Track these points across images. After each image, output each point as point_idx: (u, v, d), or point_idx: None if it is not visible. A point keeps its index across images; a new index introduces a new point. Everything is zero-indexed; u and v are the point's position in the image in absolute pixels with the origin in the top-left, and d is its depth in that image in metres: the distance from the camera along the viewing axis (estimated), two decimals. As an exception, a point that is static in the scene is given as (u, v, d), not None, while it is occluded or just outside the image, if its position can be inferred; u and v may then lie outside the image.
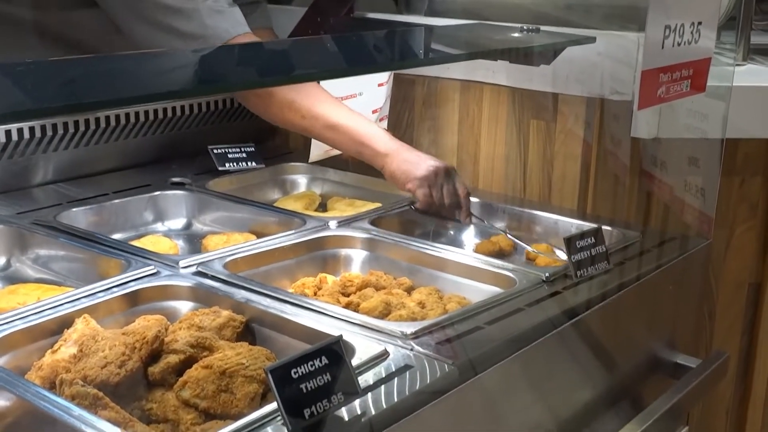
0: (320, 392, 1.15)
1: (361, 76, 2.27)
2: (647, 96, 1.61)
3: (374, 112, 2.33)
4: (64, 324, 1.46)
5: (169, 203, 2.17)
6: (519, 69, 2.14)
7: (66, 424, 1.16)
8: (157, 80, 1.00)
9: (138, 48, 2.09)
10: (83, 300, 1.52)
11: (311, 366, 1.15)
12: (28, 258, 1.87)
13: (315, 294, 1.73)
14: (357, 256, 1.91)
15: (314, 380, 1.15)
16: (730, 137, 2.01)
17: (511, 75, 2.24)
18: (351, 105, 2.27)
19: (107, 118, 2.26)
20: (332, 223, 1.95)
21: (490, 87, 2.32)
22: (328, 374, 1.16)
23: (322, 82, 2.16)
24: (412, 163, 2.05)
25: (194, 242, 2.08)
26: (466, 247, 2.08)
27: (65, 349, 1.39)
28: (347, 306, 1.63)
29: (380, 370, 1.32)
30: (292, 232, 1.90)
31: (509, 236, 2.02)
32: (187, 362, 1.38)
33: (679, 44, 1.66)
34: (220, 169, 2.33)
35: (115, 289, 1.57)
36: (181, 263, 1.69)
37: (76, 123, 2.20)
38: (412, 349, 1.39)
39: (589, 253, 1.67)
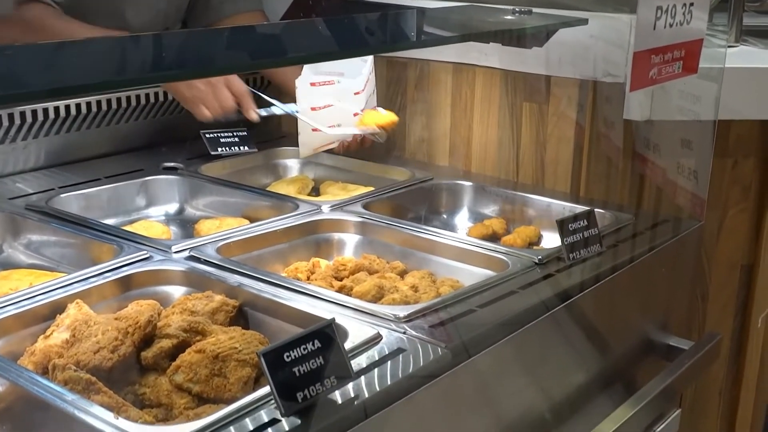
0: (313, 376, 1.15)
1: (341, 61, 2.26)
2: (639, 78, 1.60)
3: (356, 94, 2.31)
4: (56, 309, 1.46)
5: (162, 188, 2.17)
6: (511, 51, 2.14)
7: (59, 409, 1.16)
8: (146, 63, 0.99)
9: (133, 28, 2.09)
10: (76, 285, 1.52)
11: (304, 350, 1.15)
12: (21, 243, 1.86)
13: (308, 278, 1.73)
14: (350, 240, 1.90)
15: (307, 364, 1.15)
16: (722, 119, 2.01)
17: (503, 57, 2.24)
18: (332, 89, 2.25)
19: (99, 102, 2.25)
20: (325, 207, 1.95)
21: (483, 69, 2.31)
22: (320, 358, 1.16)
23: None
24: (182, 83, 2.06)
25: (187, 227, 2.07)
26: (459, 231, 2.08)
27: (58, 334, 1.39)
28: (340, 290, 1.64)
29: (373, 354, 1.32)
30: (285, 216, 1.90)
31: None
32: (180, 347, 1.38)
33: (671, 25, 1.66)
34: (213, 153, 2.32)
35: (107, 274, 1.57)
36: (174, 248, 1.69)
37: (68, 108, 2.19)
38: (405, 333, 1.39)
39: (581, 235, 1.68)
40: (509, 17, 1.91)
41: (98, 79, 0.98)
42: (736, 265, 2.27)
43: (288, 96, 2.30)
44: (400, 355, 1.32)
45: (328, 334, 1.18)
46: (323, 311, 1.45)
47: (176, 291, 1.60)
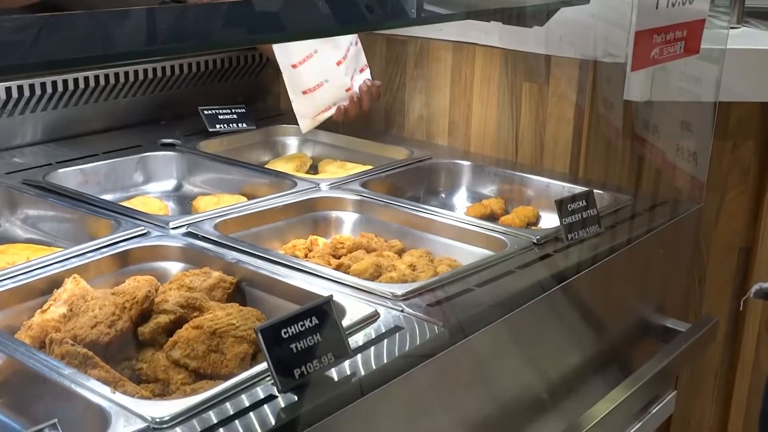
0: (310, 352, 1.15)
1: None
2: (641, 57, 1.60)
3: (338, 63, 2.30)
4: (53, 284, 1.45)
5: (159, 164, 2.16)
6: (512, 30, 2.13)
7: (56, 383, 1.16)
8: (140, 36, 0.98)
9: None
10: (73, 260, 1.52)
11: (301, 326, 1.15)
12: (18, 218, 1.86)
13: (306, 256, 1.73)
14: (348, 218, 1.90)
15: (304, 340, 1.15)
16: (722, 101, 2.00)
17: (504, 36, 2.23)
18: (312, 64, 2.24)
19: (96, 77, 2.24)
20: (323, 185, 1.95)
21: (483, 48, 2.30)
22: (318, 335, 1.16)
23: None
24: None
25: (184, 203, 2.07)
26: (457, 210, 2.07)
27: (55, 308, 1.39)
28: (338, 268, 1.63)
29: (370, 332, 1.32)
30: (283, 193, 1.90)
31: None
32: (178, 322, 1.38)
33: (673, 5, 1.65)
34: (211, 130, 2.32)
35: (104, 250, 1.56)
36: (172, 224, 1.68)
37: (65, 82, 2.18)
38: (402, 311, 1.39)
39: (580, 216, 1.67)
40: (510, -5, 1.90)
41: (94, 53, 0.97)
42: (734, 247, 2.27)
43: None
44: (397, 334, 1.32)
45: (325, 311, 1.18)
46: (321, 288, 1.44)
47: (174, 267, 1.60)
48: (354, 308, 1.37)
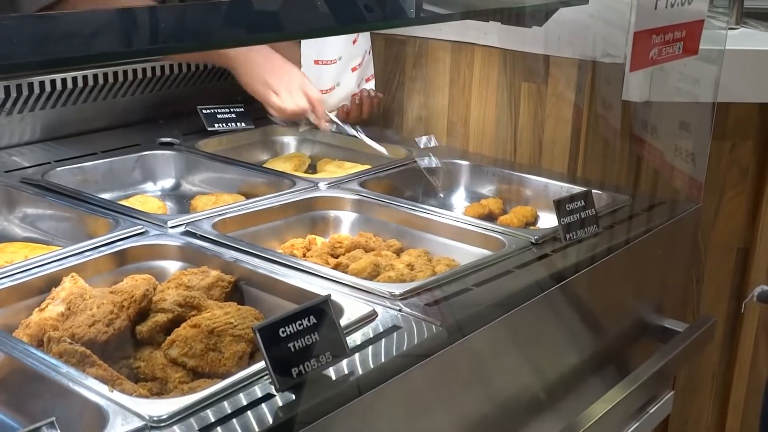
0: (308, 351, 1.15)
1: (338, 40, 2.26)
2: (639, 58, 1.60)
3: (353, 70, 2.32)
4: (51, 282, 1.45)
5: (158, 163, 2.16)
6: (511, 30, 2.13)
7: (53, 382, 1.16)
8: (139, 36, 0.98)
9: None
10: (71, 259, 1.52)
11: (299, 325, 1.15)
12: (16, 217, 1.86)
13: (304, 255, 1.73)
14: (346, 217, 1.90)
15: (302, 339, 1.15)
16: (721, 101, 2.00)
17: (502, 36, 2.23)
18: (332, 69, 2.26)
19: (95, 76, 2.24)
20: (322, 185, 1.95)
21: (482, 48, 2.30)
22: (316, 334, 1.16)
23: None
24: (262, 67, 2.03)
25: (183, 203, 2.07)
26: (456, 210, 2.07)
27: (53, 307, 1.39)
28: (336, 267, 1.63)
29: (368, 331, 1.32)
30: (282, 193, 1.90)
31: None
32: (176, 321, 1.38)
33: (672, 5, 1.65)
34: (209, 129, 2.32)
35: (103, 248, 1.56)
36: (170, 223, 1.68)
37: (64, 81, 2.18)
38: (400, 310, 1.39)
39: (578, 216, 1.67)
40: (509, -5, 1.90)
41: (94, 51, 0.97)
42: (732, 248, 2.28)
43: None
44: (395, 333, 1.32)
45: (323, 310, 1.18)
46: (319, 288, 1.44)
47: (172, 266, 1.60)
48: (352, 307, 1.37)
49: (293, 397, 1.14)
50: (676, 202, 1.98)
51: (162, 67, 2.37)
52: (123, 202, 1.88)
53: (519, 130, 2.28)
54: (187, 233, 1.65)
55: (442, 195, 2.11)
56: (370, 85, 2.40)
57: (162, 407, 1.10)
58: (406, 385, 1.26)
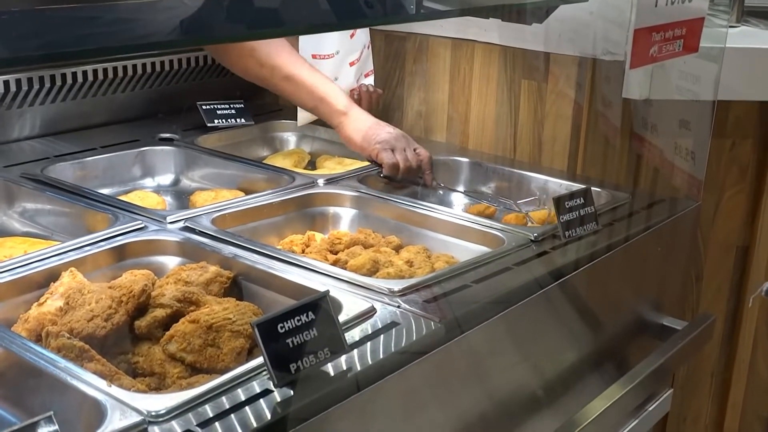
0: (306, 347, 1.15)
1: (335, 34, 2.26)
2: (639, 55, 1.60)
3: (351, 64, 2.32)
4: (50, 277, 1.45)
5: (158, 159, 2.16)
6: (511, 27, 2.13)
7: (52, 376, 1.16)
8: (140, 30, 0.98)
9: None
10: (70, 253, 1.52)
11: (298, 321, 1.15)
12: (15, 211, 1.86)
13: (303, 251, 1.73)
14: (345, 214, 1.90)
15: (301, 335, 1.15)
16: (721, 99, 2.00)
17: (503, 33, 2.23)
18: (329, 64, 2.26)
19: (95, 71, 2.24)
20: (321, 181, 1.95)
21: (482, 45, 2.30)
22: (314, 329, 1.16)
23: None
24: (371, 126, 2.04)
25: (182, 198, 2.07)
26: (455, 207, 2.07)
27: (52, 302, 1.39)
28: (335, 263, 1.63)
29: (367, 327, 1.32)
30: (281, 189, 1.90)
31: (491, 202, 2.01)
32: (174, 316, 1.38)
33: (672, 3, 1.65)
34: (209, 125, 2.32)
35: (102, 243, 1.56)
36: (169, 218, 1.68)
37: (63, 76, 2.18)
38: (398, 307, 1.39)
39: (577, 213, 1.67)
40: (510, -7, 1.90)
41: (91, 46, 0.97)
42: (731, 246, 2.27)
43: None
44: (394, 329, 1.32)
45: (322, 307, 1.18)
46: (318, 284, 1.44)
47: (171, 261, 1.60)
48: (350, 304, 1.37)
49: (291, 392, 1.14)
50: (675, 200, 1.98)
51: (161, 63, 2.37)
52: (122, 198, 1.88)
53: (519, 127, 2.28)
54: (186, 229, 1.65)
55: (441, 191, 2.11)
56: (370, 81, 2.40)
57: (160, 402, 1.10)
58: (405, 381, 1.26)
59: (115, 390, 1.13)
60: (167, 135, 2.23)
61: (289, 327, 1.14)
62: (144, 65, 2.34)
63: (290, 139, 2.45)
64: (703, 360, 2.33)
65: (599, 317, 1.76)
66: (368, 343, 1.28)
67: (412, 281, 1.47)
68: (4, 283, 1.42)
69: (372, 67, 2.41)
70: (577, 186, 1.87)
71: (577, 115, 2.18)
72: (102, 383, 1.14)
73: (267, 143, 2.42)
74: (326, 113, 2.08)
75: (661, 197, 1.97)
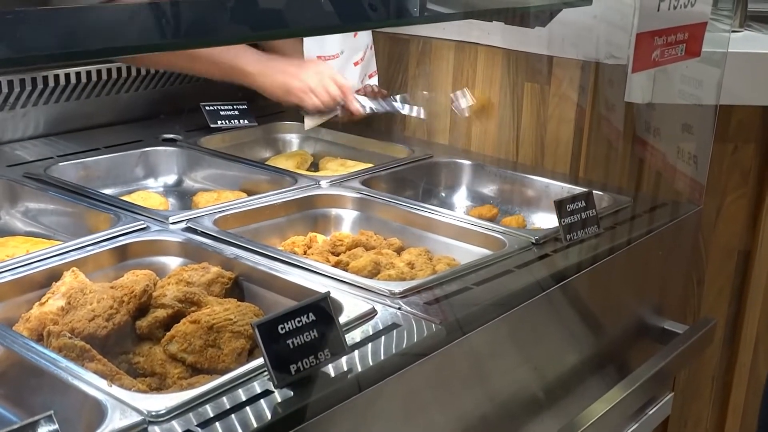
0: (307, 348, 1.15)
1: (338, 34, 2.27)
2: (642, 59, 1.60)
3: (356, 64, 2.32)
4: (52, 277, 1.46)
5: (160, 159, 2.16)
6: (514, 30, 2.13)
7: (53, 375, 1.16)
8: (145, 32, 0.99)
9: None
10: (72, 253, 1.52)
11: (299, 322, 1.15)
12: (18, 211, 1.86)
13: (305, 253, 1.73)
14: (347, 215, 1.90)
15: (301, 336, 1.15)
16: (723, 104, 2.00)
17: (506, 36, 2.23)
18: (334, 64, 2.26)
19: (99, 71, 2.24)
20: (323, 183, 1.95)
21: (485, 48, 2.30)
22: (315, 331, 1.16)
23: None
24: (287, 74, 2.04)
25: (185, 199, 2.07)
26: (457, 209, 2.08)
27: (53, 301, 1.39)
28: (336, 265, 1.64)
29: (368, 329, 1.32)
30: (283, 190, 1.90)
31: None
32: (175, 317, 1.38)
33: (675, 7, 1.65)
34: (212, 126, 2.32)
35: (104, 243, 1.57)
36: (171, 219, 1.68)
37: (68, 76, 2.18)
38: (399, 308, 1.39)
39: (579, 216, 1.67)
40: (513, -4, 1.90)
41: (95, 47, 0.98)
42: (733, 250, 2.27)
43: None
44: (395, 331, 1.32)
45: (323, 308, 1.19)
46: (319, 285, 1.45)
47: (172, 262, 1.60)
48: (351, 305, 1.38)
49: (291, 393, 1.14)
50: (677, 204, 1.98)
51: (165, 64, 2.37)
52: (125, 198, 1.89)
53: (521, 130, 2.28)
54: (188, 229, 1.66)
55: (443, 194, 2.11)
56: (374, 82, 2.40)
57: (160, 402, 1.10)
58: (405, 383, 1.26)
59: (115, 390, 1.13)
60: (170, 135, 2.24)
61: (289, 328, 1.14)
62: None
63: (293, 140, 2.45)
64: (704, 364, 2.33)
65: (600, 320, 1.77)
66: (369, 345, 1.28)
67: (414, 283, 1.48)
68: (6, 283, 1.42)
69: (375, 68, 2.41)
70: (579, 189, 1.87)
71: (580, 118, 2.18)
72: (103, 383, 1.14)
73: (270, 144, 2.42)
74: (240, 78, 2.09)
75: (663, 201, 1.97)
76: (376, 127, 2.51)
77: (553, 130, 2.23)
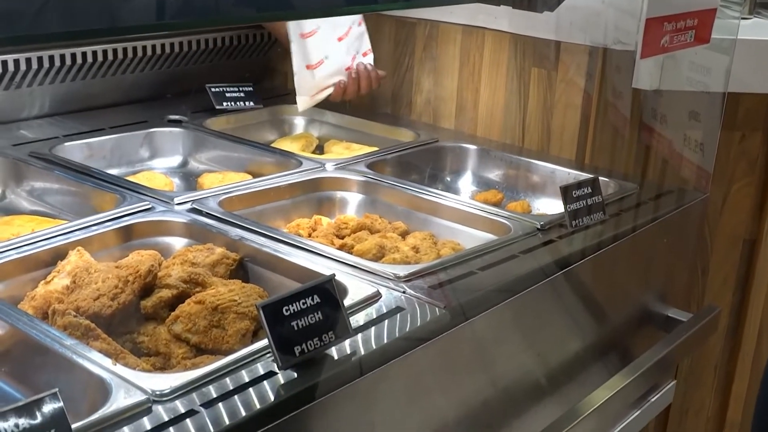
0: (311, 330, 1.15)
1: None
2: (650, 45, 1.59)
3: (339, 39, 2.29)
4: (58, 256, 1.46)
5: (166, 140, 2.16)
6: (522, 15, 2.12)
7: (57, 354, 1.17)
8: (148, 10, 0.98)
9: None
10: (77, 233, 1.52)
11: (303, 304, 1.15)
12: (24, 190, 1.86)
13: (309, 235, 1.73)
14: (353, 198, 1.90)
15: (306, 318, 1.15)
16: (731, 91, 1.99)
17: (513, 21, 2.22)
18: (315, 41, 2.25)
19: (105, 51, 2.23)
20: (329, 165, 1.95)
21: (492, 33, 2.29)
22: (319, 313, 1.16)
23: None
24: None
25: (190, 180, 2.07)
26: (462, 194, 2.07)
27: (58, 280, 1.39)
28: (341, 248, 1.64)
29: (372, 312, 1.32)
30: (288, 173, 1.90)
31: None
32: (180, 297, 1.38)
33: (685, -7, 1.65)
34: (218, 107, 2.32)
35: (109, 223, 1.57)
36: (176, 200, 1.68)
37: (73, 55, 2.18)
38: (404, 292, 1.39)
39: (585, 202, 1.67)
40: (521, -20, 1.89)
41: (100, 26, 0.97)
42: (738, 239, 2.27)
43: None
44: (398, 314, 1.33)
45: (327, 290, 1.19)
46: (323, 268, 1.45)
47: (177, 242, 1.60)
48: (356, 288, 1.38)
49: (295, 375, 1.14)
50: (683, 191, 1.97)
51: (171, 44, 2.37)
52: (130, 178, 1.89)
53: (528, 116, 2.28)
54: (193, 210, 1.66)
55: (449, 178, 2.11)
56: (369, 60, 2.36)
57: (164, 382, 1.10)
58: (408, 366, 1.26)
59: (120, 369, 1.13)
60: (176, 117, 2.23)
61: (294, 310, 1.14)
62: (154, 46, 2.33)
63: (299, 123, 2.44)
64: (707, 352, 2.33)
65: (604, 307, 1.76)
66: (373, 328, 1.28)
67: (418, 267, 1.48)
68: (11, 261, 1.42)
69: (369, 47, 2.36)
70: (585, 175, 1.87)
71: (587, 104, 2.18)
72: (107, 362, 1.14)
73: (275, 127, 2.42)
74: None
75: (669, 188, 1.97)
76: (382, 110, 2.51)
77: (559, 116, 2.22)
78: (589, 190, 1.68)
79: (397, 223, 1.80)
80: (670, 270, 1.98)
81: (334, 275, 1.22)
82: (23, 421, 0.89)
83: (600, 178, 1.75)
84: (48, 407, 0.92)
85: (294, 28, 2.23)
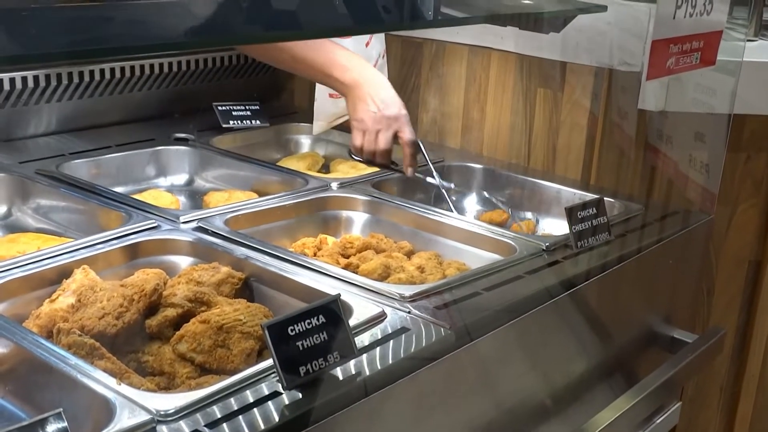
0: (316, 350, 1.15)
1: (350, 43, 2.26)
2: (656, 66, 1.59)
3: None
4: (63, 274, 1.46)
5: (172, 158, 2.17)
6: (528, 36, 2.13)
7: (62, 373, 1.17)
8: (157, 30, 0.99)
9: None
10: (83, 251, 1.52)
11: (308, 324, 1.15)
12: (29, 207, 1.87)
13: (315, 254, 1.73)
14: (358, 218, 1.90)
15: (311, 338, 1.15)
16: (737, 113, 1.99)
17: (519, 42, 2.23)
18: None
19: (112, 70, 2.25)
20: (334, 185, 1.95)
21: (498, 53, 2.30)
22: (324, 333, 1.16)
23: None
24: (363, 101, 2.01)
25: (196, 198, 2.08)
26: (468, 214, 2.07)
27: (63, 298, 1.40)
28: (346, 267, 1.63)
29: (377, 332, 1.32)
30: (294, 191, 1.90)
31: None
32: (185, 316, 1.38)
33: (691, 15, 1.65)
34: (224, 126, 2.33)
35: (114, 242, 1.57)
36: (182, 218, 1.69)
37: (81, 74, 2.19)
38: (409, 312, 1.39)
39: (590, 223, 1.67)
40: (527, 1, 1.90)
41: (110, 45, 0.98)
42: (743, 260, 2.27)
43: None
44: (404, 335, 1.32)
45: (333, 310, 1.18)
46: (329, 287, 1.45)
47: (183, 261, 1.60)
48: (361, 308, 1.38)
49: (300, 395, 1.14)
50: (688, 212, 1.97)
51: (179, 63, 2.38)
52: (136, 197, 1.89)
53: (533, 136, 2.28)
54: (198, 229, 1.66)
55: (454, 198, 2.11)
56: None
57: (169, 402, 1.10)
58: (413, 387, 1.26)
59: (124, 388, 1.13)
60: (182, 135, 2.24)
61: (299, 330, 1.14)
62: (161, 65, 2.34)
63: (305, 141, 2.45)
64: (712, 373, 2.32)
65: (609, 328, 1.76)
66: (378, 348, 1.28)
67: (423, 287, 1.48)
68: (16, 279, 1.42)
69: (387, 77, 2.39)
70: (590, 196, 1.87)
71: (592, 124, 2.18)
72: (112, 381, 1.14)
73: (281, 145, 2.43)
74: (336, 87, 2.07)
75: (675, 209, 1.96)
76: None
77: (565, 136, 2.22)
78: (594, 211, 1.68)
79: (402, 243, 1.80)
80: (676, 291, 1.98)
81: (339, 295, 1.22)
82: (27, 441, 0.89)
83: (605, 198, 1.75)
84: (52, 427, 0.92)
85: None
